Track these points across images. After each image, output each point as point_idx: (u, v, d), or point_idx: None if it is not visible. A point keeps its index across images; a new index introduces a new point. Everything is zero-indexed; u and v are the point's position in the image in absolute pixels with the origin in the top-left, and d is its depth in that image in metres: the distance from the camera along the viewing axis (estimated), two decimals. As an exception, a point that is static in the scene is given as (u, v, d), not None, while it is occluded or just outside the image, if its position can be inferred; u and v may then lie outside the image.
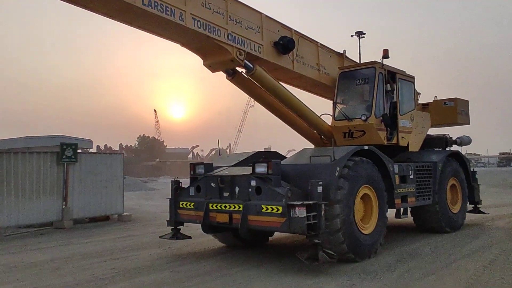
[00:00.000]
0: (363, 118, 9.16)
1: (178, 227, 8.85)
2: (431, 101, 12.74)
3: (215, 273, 7.09)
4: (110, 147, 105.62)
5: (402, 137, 9.96)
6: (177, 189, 8.78)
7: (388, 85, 9.68)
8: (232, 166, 8.70)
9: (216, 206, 7.92)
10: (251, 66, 8.20)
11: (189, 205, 8.43)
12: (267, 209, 7.15)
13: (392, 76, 9.94)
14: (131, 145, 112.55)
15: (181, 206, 8.61)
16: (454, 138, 12.15)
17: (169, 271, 7.31)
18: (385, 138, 9.44)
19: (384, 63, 9.52)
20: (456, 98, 12.46)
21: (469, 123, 13.09)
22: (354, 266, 7.31)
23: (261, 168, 7.50)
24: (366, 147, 8.23)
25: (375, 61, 9.53)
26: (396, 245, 9.05)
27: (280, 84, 8.81)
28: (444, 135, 11.81)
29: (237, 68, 8.46)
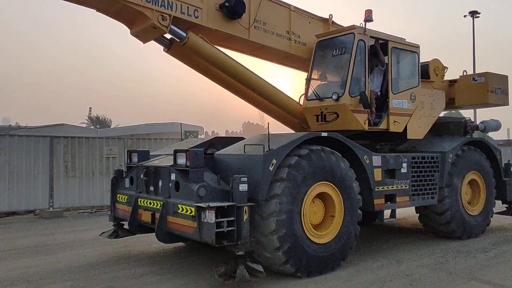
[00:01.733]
0: (334, 97, 7.36)
1: (121, 223, 7.74)
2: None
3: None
4: (217, 132, 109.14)
5: (394, 121, 7.98)
6: (116, 179, 7.64)
7: (376, 56, 7.77)
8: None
9: (143, 202, 6.70)
10: (183, 34, 6.75)
11: (123, 198, 7.28)
12: (182, 209, 5.80)
13: (383, 45, 7.98)
14: (236, 131, 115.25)
15: (117, 199, 7.49)
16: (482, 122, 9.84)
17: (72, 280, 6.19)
18: (366, 122, 7.55)
19: (367, 28, 7.58)
20: (487, 72, 10.02)
21: (507, 104, 10.61)
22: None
23: (181, 159, 6.12)
24: (324, 134, 6.51)
25: (354, 25, 7.62)
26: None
27: (228, 57, 7.27)
28: (463, 118, 9.53)
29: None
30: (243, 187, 5.55)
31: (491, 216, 9.29)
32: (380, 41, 7.93)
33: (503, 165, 9.86)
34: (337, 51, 7.72)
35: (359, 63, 7.49)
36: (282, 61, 8.55)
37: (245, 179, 5.58)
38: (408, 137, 8.30)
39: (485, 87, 9.85)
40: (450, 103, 10.03)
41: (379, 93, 7.95)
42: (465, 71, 10.35)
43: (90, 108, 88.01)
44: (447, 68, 10.29)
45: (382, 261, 6.98)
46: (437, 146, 8.61)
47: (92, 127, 65.26)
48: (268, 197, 5.73)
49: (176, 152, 6.19)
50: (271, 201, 5.73)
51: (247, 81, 7.49)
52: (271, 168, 5.77)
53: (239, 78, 7.44)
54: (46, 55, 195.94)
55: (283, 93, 7.97)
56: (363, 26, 7.50)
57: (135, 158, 7.36)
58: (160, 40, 7.08)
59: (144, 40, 6.99)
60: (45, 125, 38.02)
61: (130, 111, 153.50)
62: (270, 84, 7.73)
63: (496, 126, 9.81)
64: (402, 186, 7.62)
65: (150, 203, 6.50)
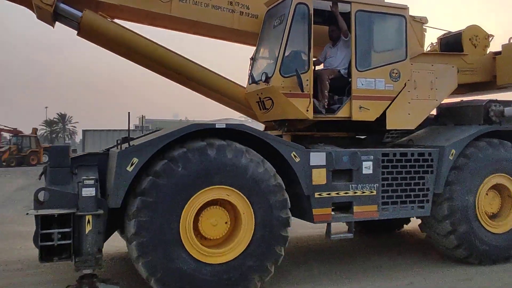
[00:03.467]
0: (262, 78, 5.83)
1: None
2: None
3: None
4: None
5: (360, 107, 6.11)
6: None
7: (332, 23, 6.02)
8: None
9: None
10: (77, 12, 5.91)
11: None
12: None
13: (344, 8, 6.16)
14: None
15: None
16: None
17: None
18: (309, 109, 5.85)
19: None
20: (541, 38, 7.37)
21: None
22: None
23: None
24: (221, 125, 5.12)
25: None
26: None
27: (138, 35, 6.18)
28: (485, 101, 7.02)
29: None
30: (88, 192, 4.58)
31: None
32: (340, 3, 6.13)
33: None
34: (277, 20, 6.15)
35: (298, 34, 5.85)
36: (235, 39, 7.14)
37: (92, 181, 4.61)
38: (387, 127, 6.35)
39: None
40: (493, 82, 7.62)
41: (343, 72, 6.19)
42: (512, 38, 7.75)
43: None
44: (493, 36, 7.86)
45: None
46: (439, 139, 6.49)
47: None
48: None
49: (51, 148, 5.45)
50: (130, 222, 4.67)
51: (167, 62, 6.38)
52: (130, 169, 4.68)
53: (157, 60, 6.37)
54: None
55: (220, 75, 6.67)
56: None
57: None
58: (67, 22, 6.33)
59: (48, 23, 6.33)
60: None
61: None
62: (200, 65, 6.51)
63: None
64: (364, 192, 5.82)
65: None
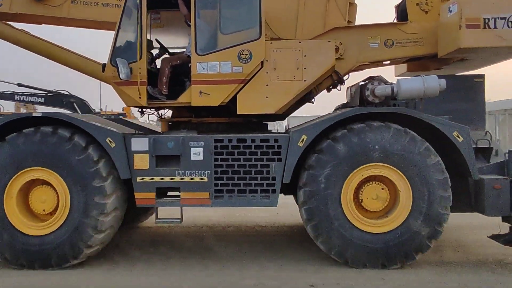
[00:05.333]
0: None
1: None
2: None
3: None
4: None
5: (201, 92, 5.92)
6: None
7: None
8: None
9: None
10: None
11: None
12: None
13: None
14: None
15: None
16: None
17: None
18: (142, 96, 5.94)
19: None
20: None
21: None
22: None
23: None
24: (37, 114, 5.73)
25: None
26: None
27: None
28: (367, 79, 5.83)
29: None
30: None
31: (430, 237, 5.54)
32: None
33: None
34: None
35: (132, 23, 6.01)
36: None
37: None
38: (238, 112, 6.01)
39: (456, 22, 5.89)
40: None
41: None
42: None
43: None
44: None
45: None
46: (306, 125, 5.86)
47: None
48: None
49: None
50: None
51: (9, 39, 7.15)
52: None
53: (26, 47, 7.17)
54: None
55: (77, 54, 7.16)
56: None
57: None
58: None
59: None
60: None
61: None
62: (58, 46, 7.13)
63: (422, 87, 5.58)
64: (193, 178, 5.75)
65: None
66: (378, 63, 7.03)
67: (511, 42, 5.80)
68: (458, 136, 5.54)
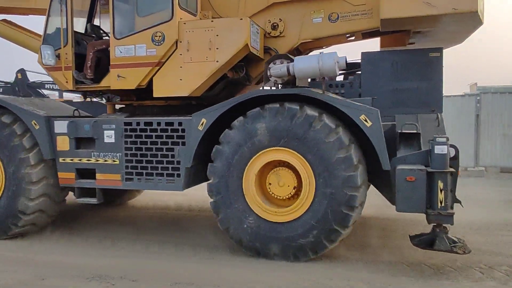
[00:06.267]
0: None
1: None
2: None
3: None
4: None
5: (118, 76, 5.96)
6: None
7: None
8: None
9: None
10: None
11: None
12: None
13: None
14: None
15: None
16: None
17: None
18: (69, 81, 6.17)
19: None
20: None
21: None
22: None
23: None
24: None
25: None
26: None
27: None
28: (270, 59, 5.24)
29: None
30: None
31: (340, 223, 5.01)
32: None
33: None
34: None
35: (59, 10, 6.24)
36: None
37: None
38: (154, 95, 5.96)
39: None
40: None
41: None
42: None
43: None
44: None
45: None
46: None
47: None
48: None
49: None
50: None
51: None
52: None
53: None
54: None
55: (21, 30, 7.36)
56: None
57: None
58: None
59: None
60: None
61: None
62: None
63: (317, 65, 4.83)
64: (106, 160, 5.92)
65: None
66: (320, 40, 6.46)
67: (442, 8, 4.91)
68: (365, 120, 4.91)
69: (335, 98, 5.07)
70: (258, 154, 5.23)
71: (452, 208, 4.76)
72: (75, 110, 6.64)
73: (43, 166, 6.12)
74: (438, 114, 5.71)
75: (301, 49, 6.83)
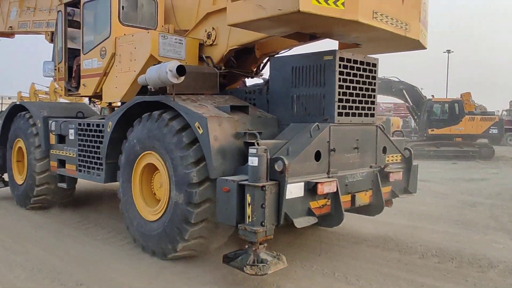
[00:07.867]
0: None
1: None
2: None
3: None
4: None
5: (83, 85, 7.20)
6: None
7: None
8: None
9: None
10: None
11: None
12: None
13: None
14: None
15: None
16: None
17: None
18: (62, 89, 7.74)
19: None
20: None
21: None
22: None
23: None
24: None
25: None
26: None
27: None
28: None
29: None
30: None
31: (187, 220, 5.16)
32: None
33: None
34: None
35: (61, 34, 7.86)
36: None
37: None
38: (103, 100, 7.05)
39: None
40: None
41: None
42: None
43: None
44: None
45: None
46: None
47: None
48: None
49: None
50: None
51: None
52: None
53: None
54: None
55: None
56: None
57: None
58: None
59: None
60: None
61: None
62: None
63: (156, 74, 4.71)
64: (70, 154, 7.30)
65: None
66: (247, 45, 6.41)
67: (271, 10, 4.53)
68: (198, 127, 4.95)
69: (180, 106, 5.19)
70: (138, 159, 5.77)
71: (262, 225, 4.39)
72: (78, 112, 8.22)
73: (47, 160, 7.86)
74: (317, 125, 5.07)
75: (257, 56, 6.91)
